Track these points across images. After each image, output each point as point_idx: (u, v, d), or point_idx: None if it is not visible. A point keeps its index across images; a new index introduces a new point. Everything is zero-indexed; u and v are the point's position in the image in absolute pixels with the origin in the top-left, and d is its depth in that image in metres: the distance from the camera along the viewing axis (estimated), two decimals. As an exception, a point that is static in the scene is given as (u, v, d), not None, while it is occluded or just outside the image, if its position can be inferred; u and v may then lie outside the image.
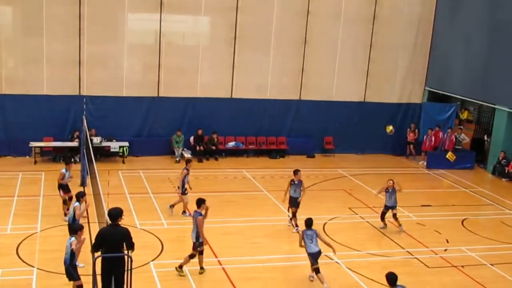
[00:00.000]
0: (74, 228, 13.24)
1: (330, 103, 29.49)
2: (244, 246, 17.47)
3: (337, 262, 16.50)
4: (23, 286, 14.21)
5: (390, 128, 27.92)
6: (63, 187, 18.76)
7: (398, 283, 11.78)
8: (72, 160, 21.00)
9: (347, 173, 26.37)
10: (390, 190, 18.93)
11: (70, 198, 18.38)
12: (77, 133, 24.98)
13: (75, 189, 21.12)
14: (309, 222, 15.09)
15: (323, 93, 29.44)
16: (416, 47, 30.47)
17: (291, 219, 19.02)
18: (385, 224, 19.27)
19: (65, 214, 18.15)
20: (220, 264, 16.01)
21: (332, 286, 14.83)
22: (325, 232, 18.54)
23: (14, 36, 26.01)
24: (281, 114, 29.07)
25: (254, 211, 20.56)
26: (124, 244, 11.68)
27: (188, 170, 19.36)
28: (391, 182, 18.97)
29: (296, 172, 18.71)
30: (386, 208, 19.11)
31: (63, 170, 18.79)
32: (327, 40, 29.10)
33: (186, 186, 19.42)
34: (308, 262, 15.11)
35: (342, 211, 21.05)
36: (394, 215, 19.07)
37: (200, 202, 15.13)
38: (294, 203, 18.72)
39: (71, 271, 12.90)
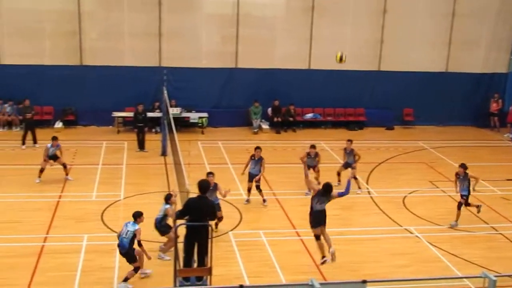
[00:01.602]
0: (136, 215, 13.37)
1: (410, 74, 28.76)
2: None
3: (417, 236, 16.23)
4: (107, 251, 14.67)
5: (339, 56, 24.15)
6: (50, 158, 19.42)
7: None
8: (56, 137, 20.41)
9: (428, 145, 25.78)
10: (461, 177, 17.45)
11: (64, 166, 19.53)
12: (157, 103, 25.43)
13: (155, 159, 21.69)
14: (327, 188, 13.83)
15: (402, 63, 28.72)
16: (501, 13, 29.16)
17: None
18: (477, 206, 17.45)
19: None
20: (298, 235, 16.04)
21: (411, 260, 14.64)
22: (404, 206, 18.28)
23: (95, 9, 26.64)
24: (360, 85, 28.61)
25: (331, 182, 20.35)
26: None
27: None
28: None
29: (256, 148, 18.23)
30: (462, 197, 17.11)
31: (48, 145, 19.40)
32: (407, 10, 28.33)
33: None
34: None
35: (422, 184, 20.63)
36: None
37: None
38: (251, 179, 18.09)
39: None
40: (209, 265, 11.63)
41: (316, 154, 19.41)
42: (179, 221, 12.06)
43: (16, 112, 25.45)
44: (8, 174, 20.05)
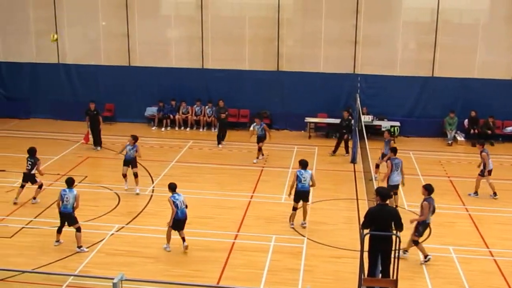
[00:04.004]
0: None
1: None
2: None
3: None
4: (294, 253, 15.01)
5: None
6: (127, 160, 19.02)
7: None
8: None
9: None
10: None
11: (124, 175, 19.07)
12: (349, 110, 25.48)
13: (344, 165, 21.78)
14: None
15: None
16: None
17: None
18: None
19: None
20: (492, 255, 15.18)
21: None
22: None
23: (294, 16, 27.43)
24: None
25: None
26: (393, 223, 11.67)
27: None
28: None
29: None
30: None
31: (126, 144, 19.19)
32: None
33: None
34: None
35: None
36: None
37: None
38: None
39: None
40: (394, 277, 11.43)
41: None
42: (366, 231, 11.97)
43: (214, 114, 26.93)
44: (206, 172, 21.28)
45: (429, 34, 26.47)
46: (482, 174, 19.15)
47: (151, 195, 18.83)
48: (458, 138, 25.88)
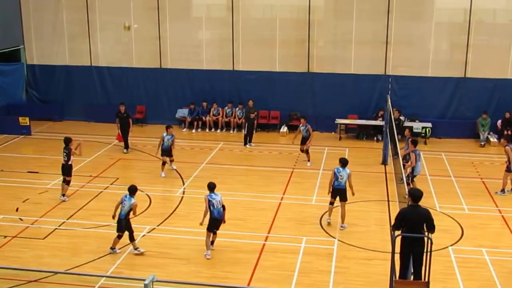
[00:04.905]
0: None
1: None
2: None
3: None
4: (324, 255, 14.99)
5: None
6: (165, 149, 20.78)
7: None
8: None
9: None
10: None
11: (163, 163, 20.78)
12: (381, 112, 25.32)
13: (375, 167, 21.70)
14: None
15: None
16: None
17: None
18: None
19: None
20: (528, 258, 14.99)
21: None
22: None
23: (325, 17, 27.38)
24: None
25: None
26: (425, 225, 11.57)
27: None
28: None
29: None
30: None
31: (164, 134, 20.78)
32: None
33: None
34: None
35: None
36: None
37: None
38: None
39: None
40: (426, 279, 11.33)
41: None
42: (397, 232, 11.88)
43: (244, 114, 26.92)
44: (236, 174, 21.34)
45: (461, 35, 26.15)
46: (508, 170, 18.93)
47: (182, 197, 18.95)
48: (491, 139, 25.53)
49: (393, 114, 23.35)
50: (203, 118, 27.43)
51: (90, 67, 28.78)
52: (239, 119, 27.08)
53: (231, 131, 27.25)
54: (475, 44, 26.07)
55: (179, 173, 21.00)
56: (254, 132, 25.28)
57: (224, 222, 14.95)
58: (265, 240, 15.79)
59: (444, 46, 26.93)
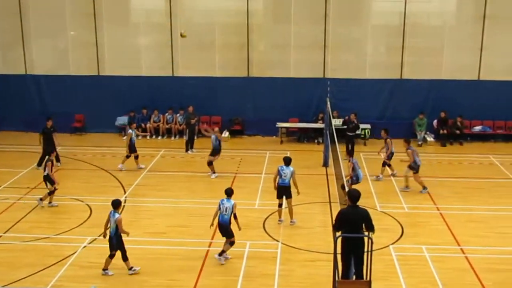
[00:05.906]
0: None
1: None
2: (490, 235, 16.53)
3: None
4: (268, 259, 15.02)
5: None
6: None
7: None
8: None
9: None
10: None
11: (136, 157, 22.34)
12: (321, 114, 25.60)
13: (317, 169, 21.90)
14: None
15: None
16: None
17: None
18: None
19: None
20: (463, 252, 15.37)
21: None
22: None
23: (264, 21, 27.57)
24: (535, 97, 26.84)
25: (500, 199, 19.37)
26: (364, 225, 11.73)
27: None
28: None
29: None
30: None
31: (130, 131, 22.39)
32: None
33: None
34: None
35: None
36: None
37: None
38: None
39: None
40: (368, 278, 11.49)
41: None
42: (338, 233, 12.01)
43: (184, 120, 26.74)
44: (179, 181, 21.19)
45: (397, 37, 26.76)
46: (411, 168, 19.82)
47: (124, 205, 18.64)
48: (428, 138, 26.17)
49: (350, 117, 23.88)
50: (143, 125, 27.14)
51: (26, 75, 28.08)
52: (180, 125, 26.92)
53: (173, 138, 27.08)
54: (410, 46, 26.73)
55: (120, 182, 20.72)
56: (195, 138, 25.19)
57: (240, 229, 14.87)
58: (209, 246, 15.70)
59: (380, 48, 27.50)
